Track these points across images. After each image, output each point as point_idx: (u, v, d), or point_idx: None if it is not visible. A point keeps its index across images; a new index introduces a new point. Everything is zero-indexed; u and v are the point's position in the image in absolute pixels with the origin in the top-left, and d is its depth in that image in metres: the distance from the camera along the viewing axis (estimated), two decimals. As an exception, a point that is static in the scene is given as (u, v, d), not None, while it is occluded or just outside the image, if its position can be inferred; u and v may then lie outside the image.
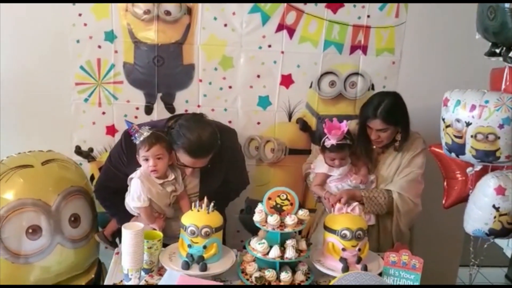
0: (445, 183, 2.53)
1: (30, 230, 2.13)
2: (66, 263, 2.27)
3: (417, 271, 1.99)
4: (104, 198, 2.37)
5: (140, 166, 2.18)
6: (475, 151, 2.19)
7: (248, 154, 2.86)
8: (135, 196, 2.15)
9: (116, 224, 2.36)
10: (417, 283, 2.00)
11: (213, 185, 2.32)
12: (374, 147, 2.46)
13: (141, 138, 2.12)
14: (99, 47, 2.62)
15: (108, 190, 2.34)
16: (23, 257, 2.14)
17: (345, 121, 2.34)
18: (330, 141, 2.31)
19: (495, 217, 2.19)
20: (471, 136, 2.16)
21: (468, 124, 2.17)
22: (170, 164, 2.22)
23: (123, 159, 2.26)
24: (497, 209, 2.19)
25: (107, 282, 2.04)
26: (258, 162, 2.89)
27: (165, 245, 2.13)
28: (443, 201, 2.52)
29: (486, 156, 2.18)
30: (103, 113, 2.71)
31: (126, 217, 2.24)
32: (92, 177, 2.74)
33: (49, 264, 2.20)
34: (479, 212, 2.23)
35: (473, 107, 2.14)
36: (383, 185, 2.45)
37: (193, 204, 2.05)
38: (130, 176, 2.18)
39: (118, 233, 2.29)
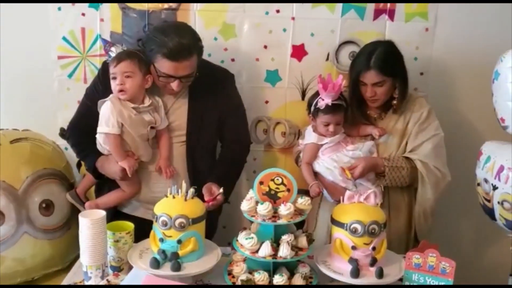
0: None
1: (-10, 215, 1.96)
2: (42, 257, 2.09)
3: (448, 277, 1.56)
4: (75, 137, 2.19)
5: None
6: None
7: (255, 138, 2.55)
8: (103, 120, 1.95)
9: (90, 180, 2.18)
10: (448, 293, 1.56)
11: (203, 127, 2.11)
12: (369, 112, 2.16)
13: (113, 55, 1.96)
14: (83, 14, 2.43)
15: (82, 129, 2.14)
16: (-11, 245, 1.97)
17: (340, 76, 2.06)
18: (325, 101, 2.01)
19: (477, 185, 2.02)
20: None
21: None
22: (151, 91, 2.02)
23: (98, 87, 2.10)
24: (475, 175, 2.03)
25: (65, 281, 1.72)
26: (267, 147, 2.58)
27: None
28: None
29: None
30: (89, 91, 2.46)
31: (95, 156, 2.07)
32: (79, 163, 2.47)
33: (20, 256, 2.03)
34: None
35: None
36: (386, 154, 2.10)
37: (168, 189, 1.71)
38: (101, 100, 1.99)
39: (98, 191, 2.19)
